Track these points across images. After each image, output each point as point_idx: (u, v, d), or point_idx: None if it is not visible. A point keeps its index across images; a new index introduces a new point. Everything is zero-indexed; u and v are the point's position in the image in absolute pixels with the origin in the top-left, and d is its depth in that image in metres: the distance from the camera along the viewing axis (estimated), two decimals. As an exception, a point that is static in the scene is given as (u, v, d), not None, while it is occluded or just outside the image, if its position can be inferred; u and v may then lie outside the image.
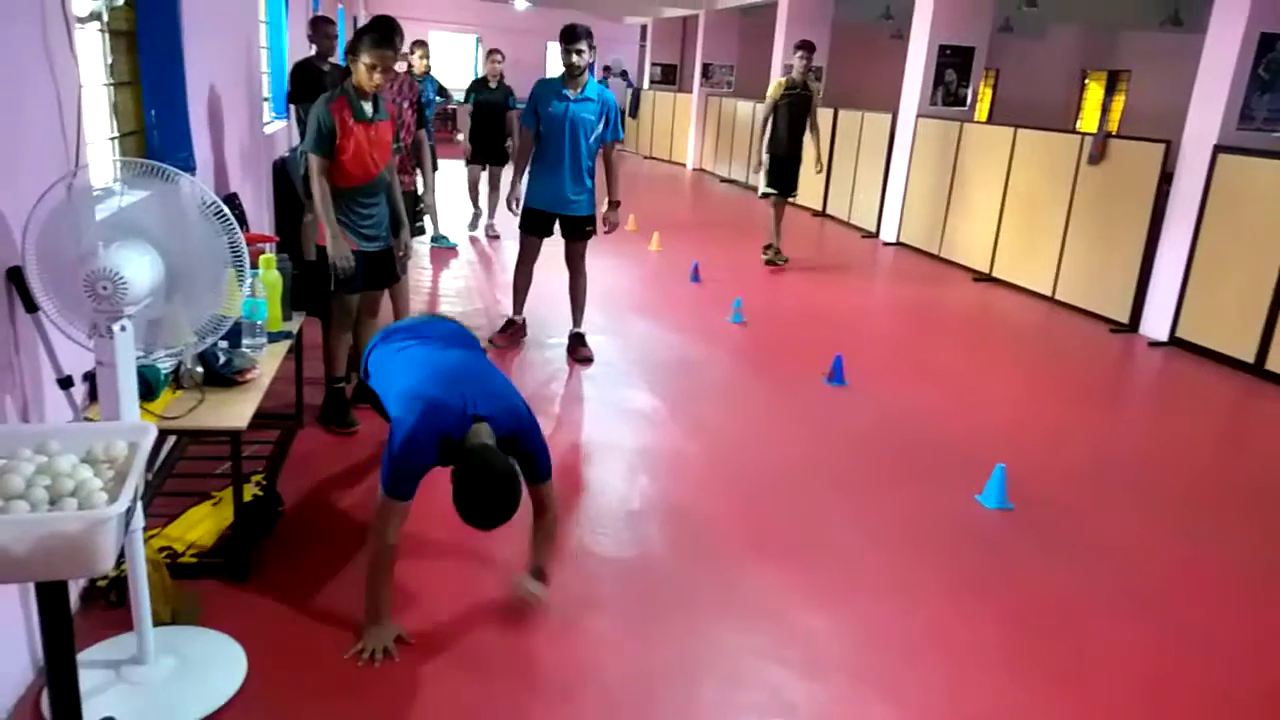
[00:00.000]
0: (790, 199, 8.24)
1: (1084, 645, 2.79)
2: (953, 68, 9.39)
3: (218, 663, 2.37)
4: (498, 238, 8.70)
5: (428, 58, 7.41)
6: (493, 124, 8.19)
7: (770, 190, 8.12)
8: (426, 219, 7.48)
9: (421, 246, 7.66)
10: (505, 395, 2.65)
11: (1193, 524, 3.70)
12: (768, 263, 8.19)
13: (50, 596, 1.66)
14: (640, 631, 2.70)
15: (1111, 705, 2.53)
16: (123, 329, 2.07)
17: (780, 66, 12.89)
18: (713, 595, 2.93)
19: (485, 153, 8.33)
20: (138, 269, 2.07)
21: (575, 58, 4.75)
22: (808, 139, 8.06)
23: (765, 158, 8.06)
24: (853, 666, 2.61)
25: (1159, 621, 2.95)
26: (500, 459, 2.40)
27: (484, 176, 8.52)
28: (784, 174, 8.06)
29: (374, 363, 2.96)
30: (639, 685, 2.47)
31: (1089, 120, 16.02)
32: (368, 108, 3.70)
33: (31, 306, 2.24)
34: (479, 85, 8.25)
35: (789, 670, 2.57)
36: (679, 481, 3.80)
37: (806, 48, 7.89)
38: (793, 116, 7.93)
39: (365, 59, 3.59)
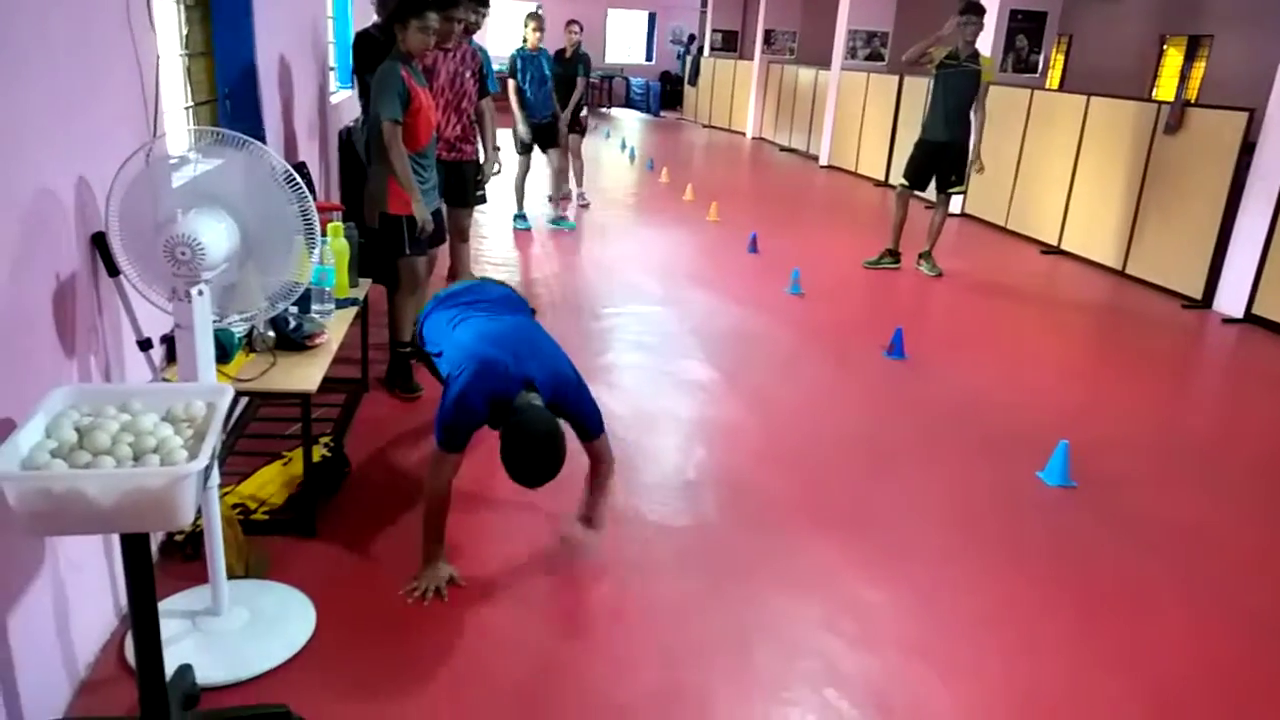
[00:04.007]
0: (957, 191, 6.86)
1: (1146, 630, 2.74)
2: (1024, 33, 9.11)
3: (288, 615, 2.46)
4: (587, 206, 8.76)
5: (542, 29, 7.22)
6: (566, 95, 8.12)
7: (903, 181, 6.91)
8: (488, 188, 7.49)
9: (482, 217, 7.71)
10: (552, 359, 2.74)
11: (1264, 507, 3.59)
12: (868, 264, 7.06)
13: (134, 547, 1.74)
14: (696, 599, 2.72)
15: (1173, 694, 2.48)
16: (200, 293, 2.14)
17: (844, 33, 12.62)
18: (768, 565, 2.95)
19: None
20: (214, 235, 2.13)
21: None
22: (974, 125, 6.61)
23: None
24: (908, 641, 2.61)
25: (1225, 607, 2.88)
26: (545, 419, 2.52)
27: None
28: (930, 164, 6.73)
29: (429, 327, 3.04)
30: (695, 651, 2.50)
31: (1166, 88, 15.39)
32: (420, 74, 3.84)
33: (114, 270, 2.33)
34: (555, 57, 8.07)
35: (844, 642, 2.57)
36: (736, 452, 3.81)
37: (976, 11, 6.36)
38: (950, 93, 6.51)
39: (416, 23, 3.66)
